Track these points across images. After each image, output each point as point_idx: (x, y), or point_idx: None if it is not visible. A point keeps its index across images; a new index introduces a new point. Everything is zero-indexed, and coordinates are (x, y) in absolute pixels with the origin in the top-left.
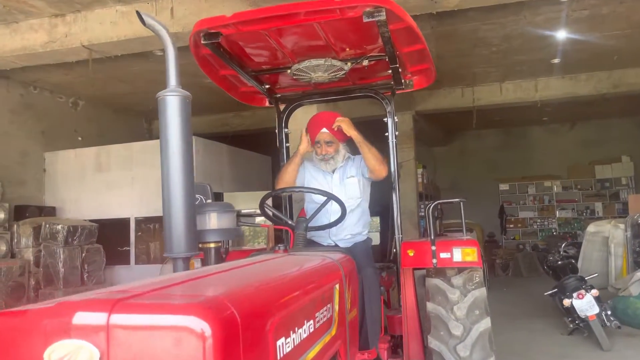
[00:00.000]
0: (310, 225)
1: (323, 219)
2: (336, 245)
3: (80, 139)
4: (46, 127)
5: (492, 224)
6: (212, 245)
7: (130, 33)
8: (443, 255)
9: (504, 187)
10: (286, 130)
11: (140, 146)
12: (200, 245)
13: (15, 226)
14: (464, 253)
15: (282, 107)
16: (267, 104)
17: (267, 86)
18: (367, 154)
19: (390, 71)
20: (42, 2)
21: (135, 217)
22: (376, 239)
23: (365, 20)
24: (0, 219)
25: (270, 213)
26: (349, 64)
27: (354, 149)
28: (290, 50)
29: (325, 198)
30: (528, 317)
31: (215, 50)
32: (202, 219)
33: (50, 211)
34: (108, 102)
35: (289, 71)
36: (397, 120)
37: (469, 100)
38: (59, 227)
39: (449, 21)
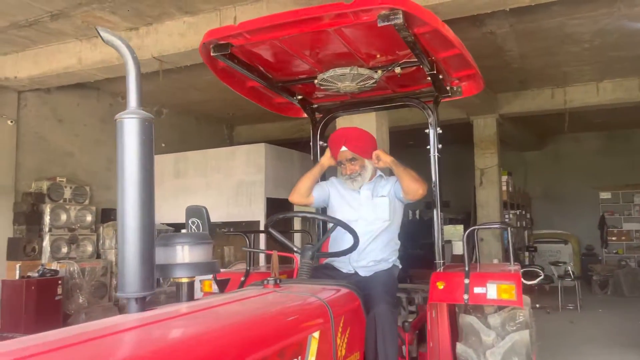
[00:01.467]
0: (328, 250)
1: (344, 243)
2: (355, 274)
3: (163, 145)
4: None
5: (591, 236)
6: (184, 280)
7: (197, 43)
8: (478, 290)
9: (605, 195)
10: (321, 142)
11: (214, 153)
12: (172, 280)
13: (100, 228)
14: (500, 289)
15: (318, 117)
16: (303, 114)
17: (299, 97)
18: (401, 174)
19: (429, 78)
20: (117, 17)
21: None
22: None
23: (381, 24)
24: (87, 222)
25: (277, 236)
26: (379, 72)
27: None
28: (312, 59)
29: (338, 225)
30: (623, 347)
31: (229, 62)
32: (171, 252)
33: None
34: (189, 109)
35: (315, 81)
36: (440, 131)
37: (560, 102)
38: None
39: (530, 17)
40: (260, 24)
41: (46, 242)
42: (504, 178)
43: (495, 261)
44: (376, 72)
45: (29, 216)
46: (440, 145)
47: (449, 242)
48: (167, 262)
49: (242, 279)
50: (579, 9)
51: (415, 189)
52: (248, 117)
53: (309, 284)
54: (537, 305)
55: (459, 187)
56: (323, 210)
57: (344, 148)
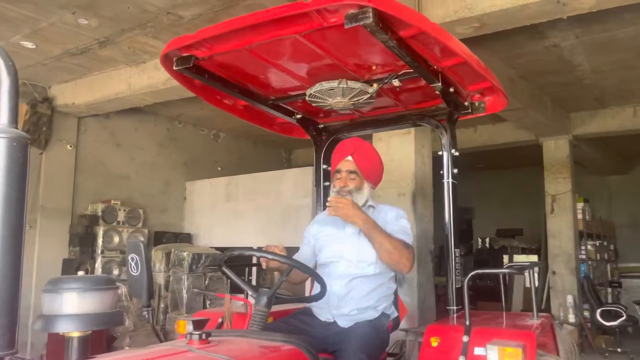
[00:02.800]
0: (293, 283)
1: (330, 284)
2: (334, 324)
3: (220, 169)
4: (188, 158)
5: None
6: (74, 334)
7: None
8: (478, 351)
9: None
10: (324, 166)
11: (263, 176)
12: (60, 334)
13: (152, 251)
14: (502, 353)
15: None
16: (307, 135)
17: (298, 115)
18: (373, 241)
19: (437, 92)
20: (160, 42)
21: (257, 247)
22: None
23: (348, 25)
24: None
25: (231, 275)
26: (374, 85)
27: (391, 199)
28: (297, 72)
29: (294, 266)
30: None
31: (198, 76)
32: (58, 299)
33: (186, 238)
34: (247, 133)
35: (306, 97)
36: (456, 154)
37: None
38: (185, 254)
39: (598, 27)
40: (217, 31)
41: (98, 264)
42: (580, 205)
43: (570, 299)
44: (371, 85)
45: (83, 238)
46: (456, 170)
47: (521, 273)
48: (53, 313)
49: (220, 320)
50: None
51: (397, 264)
52: (306, 139)
53: (249, 340)
54: (619, 350)
55: (532, 214)
56: None
57: (349, 158)
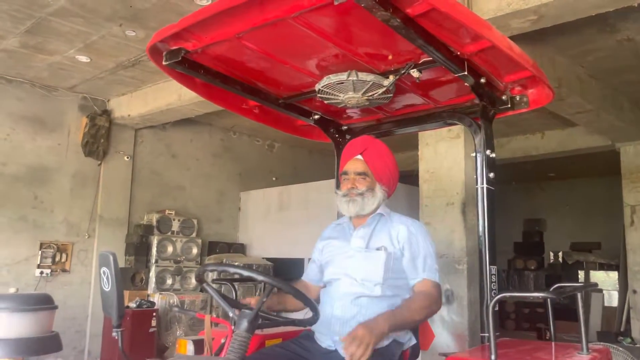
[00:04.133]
0: (294, 310)
1: (326, 306)
2: (335, 352)
3: (274, 179)
4: (243, 169)
5: None
6: None
7: None
8: None
9: None
10: None
11: (315, 186)
12: None
13: (205, 261)
14: None
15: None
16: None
17: (316, 116)
18: (408, 325)
19: (467, 85)
20: None
21: (308, 258)
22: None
23: (337, 2)
24: (193, 254)
25: (210, 292)
26: (390, 77)
27: (400, 208)
28: (302, 66)
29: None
30: None
31: (192, 72)
32: None
33: (239, 248)
34: (302, 142)
35: (317, 94)
36: (493, 156)
37: None
38: (235, 264)
39: None
40: (199, 17)
41: (152, 273)
42: None
43: None
44: (386, 77)
45: (138, 247)
46: (492, 175)
47: (600, 291)
48: None
49: (223, 340)
50: None
51: (431, 313)
52: None
53: None
54: None
55: (611, 227)
56: None
57: (359, 156)
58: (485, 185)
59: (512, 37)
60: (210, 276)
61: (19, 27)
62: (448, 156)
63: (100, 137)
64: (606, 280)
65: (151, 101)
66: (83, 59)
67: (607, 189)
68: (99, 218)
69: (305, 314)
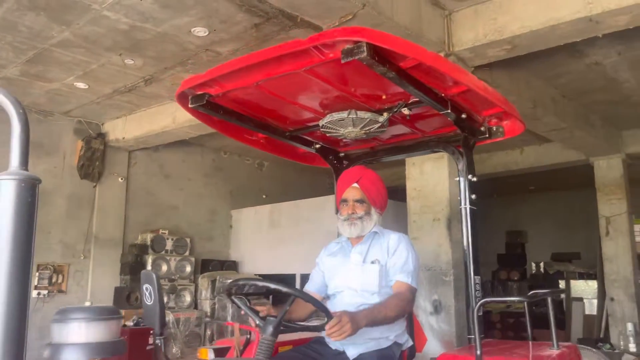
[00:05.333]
0: (300, 320)
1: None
2: (343, 353)
3: (265, 196)
4: (234, 188)
5: None
6: None
7: None
8: None
9: None
10: None
11: (306, 203)
12: None
13: (198, 279)
14: None
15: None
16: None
17: (317, 145)
18: (386, 322)
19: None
20: None
21: (300, 274)
22: None
23: (345, 60)
24: (187, 272)
25: (238, 303)
26: (384, 114)
27: (389, 223)
28: (308, 106)
29: (292, 294)
30: None
31: (212, 112)
32: (65, 329)
33: (231, 265)
34: (291, 162)
35: (320, 128)
36: (474, 179)
37: None
38: (229, 281)
39: None
40: (224, 70)
41: None
42: (637, 227)
43: (630, 326)
44: (381, 114)
45: (133, 266)
46: (474, 196)
47: (580, 299)
48: (61, 342)
49: (241, 347)
50: None
51: (402, 317)
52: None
53: None
54: None
55: (589, 237)
56: None
57: (355, 185)
58: (468, 206)
59: (489, 64)
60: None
61: (21, 57)
62: (433, 175)
63: (95, 159)
64: (586, 289)
65: (146, 124)
66: (81, 85)
67: (584, 201)
68: (94, 239)
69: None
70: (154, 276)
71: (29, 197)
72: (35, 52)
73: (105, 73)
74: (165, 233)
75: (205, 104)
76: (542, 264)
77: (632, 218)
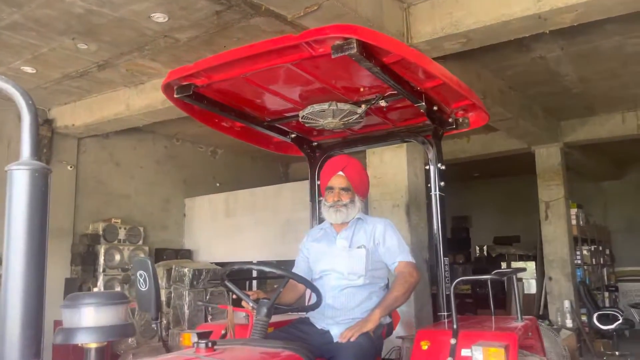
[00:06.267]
0: (287, 304)
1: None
2: (329, 332)
3: (218, 184)
4: (187, 176)
5: None
6: (92, 345)
7: None
8: (465, 352)
9: None
10: (319, 182)
11: (261, 191)
12: (80, 345)
13: None
14: (487, 354)
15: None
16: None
17: (293, 135)
18: (397, 306)
19: (422, 111)
20: (158, 63)
21: (257, 261)
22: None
23: (335, 55)
24: None
25: (232, 288)
26: (362, 106)
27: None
28: (290, 96)
29: (287, 277)
30: None
31: (197, 102)
32: (76, 314)
33: (186, 254)
34: (245, 149)
35: (300, 119)
36: (442, 168)
37: (633, 127)
38: (185, 270)
39: (582, 39)
40: (214, 62)
41: (100, 282)
42: (573, 211)
43: (566, 304)
44: (359, 106)
45: (84, 257)
46: (442, 183)
47: (520, 280)
48: (72, 326)
49: (223, 331)
50: (637, 27)
51: (412, 288)
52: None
53: (252, 347)
54: (617, 353)
55: (528, 221)
56: None
57: (341, 173)
58: (437, 192)
59: (444, 56)
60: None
61: None
62: (393, 164)
63: (42, 147)
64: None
65: (97, 111)
66: (28, 70)
67: (525, 186)
68: None
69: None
70: (149, 262)
71: (43, 186)
72: None
73: (56, 57)
74: (117, 222)
75: (190, 95)
76: (485, 247)
77: (569, 203)
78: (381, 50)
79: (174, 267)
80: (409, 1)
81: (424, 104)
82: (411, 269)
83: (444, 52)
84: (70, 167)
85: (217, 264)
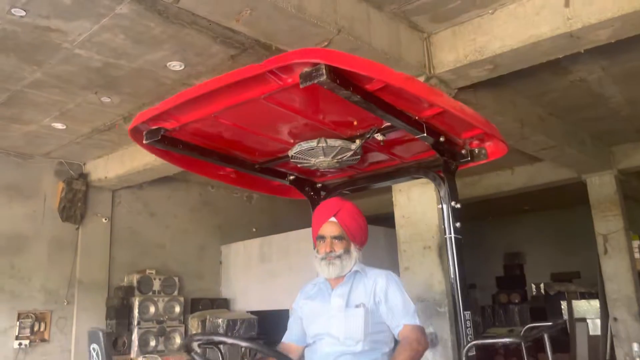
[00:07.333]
0: None
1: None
2: None
3: (254, 230)
4: (223, 222)
5: None
6: None
7: None
8: None
9: None
10: None
11: (295, 235)
12: None
13: (188, 319)
14: None
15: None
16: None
17: (291, 177)
18: None
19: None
20: None
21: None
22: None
23: (303, 85)
24: (176, 313)
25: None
26: (357, 141)
27: (380, 251)
28: (275, 135)
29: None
30: None
31: (170, 147)
32: None
33: (222, 303)
34: None
35: (290, 159)
36: (457, 206)
37: None
38: (219, 320)
39: (625, 57)
40: (177, 101)
41: (135, 336)
42: (636, 243)
43: (635, 347)
44: (353, 142)
45: (119, 310)
46: (458, 224)
47: (583, 320)
48: None
49: None
50: None
51: (419, 357)
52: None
53: None
54: None
55: (588, 256)
56: None
57: (333, 219)
58: (453, 235)
59: (472, 85)
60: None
61: None
62: (421, 202)
63: (77, 200)
64: (589, 309)
65: (128, 162)
66: (59, 126)
67: (580, 218)
68: (77, 283)
69: None
70: (101, 334)
71: None
72: (8, 95)
73: (83, 112)
74: (152, 273)
75: (160, 139)
76: (542, 285)
77: (630, 235)
78: (362, 77)
79: (208, 317)
80: (428, 30)
81: (426, 135)
82: (418, 334)
83: (470, 80)
84: (105, 219)
85: (252, 312)
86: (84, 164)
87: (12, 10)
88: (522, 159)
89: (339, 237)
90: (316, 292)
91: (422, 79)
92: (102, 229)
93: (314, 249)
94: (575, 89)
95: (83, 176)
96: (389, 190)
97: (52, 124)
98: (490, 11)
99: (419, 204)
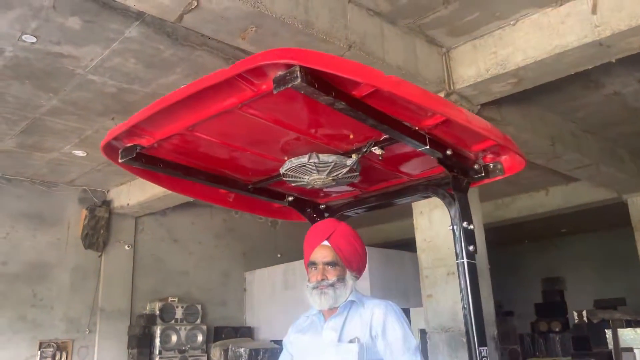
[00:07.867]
0: None
1: None
2: None
3: (279, 255)
4: (247, 248)
5: None
6: None
7: None
8: None
9: None
10: None
11: None
12: None
13: (210, 348)
14: None
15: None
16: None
17: (290, 198)
18: None
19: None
20: None
21: None
22: None
23: (276, 90)
24: (198, 342)
25: None
26: (353, 156)
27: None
28: (263, 152)
29: None
30: None
31: (148, 166)
32: None
33: (246, 332)
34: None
35: (282, 177)
36: (471, 227)
37: None
38: (242, 350)
39: None
40: (146, 114)
41: None
42: None
43: None
44: (349, 156)
45: (140, 339)
46: (472, 248)
47: (630, 350)
48: None
49: None
50: None
51: None
52: (366, 218)
53: None
54: None
55: (634, 281)
56: None
57: (325, 242)
58: (465, 260)
59: (497, 101)
60: None
61: (14, 129)
62: (443, 224)
63: (100, 228)
64: (635, 337)
65: (149, 188)
66: (79, 153)
67: (622, 241)
68: (99, 311)
69: None
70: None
71: None
72: (27, 123)
73: (101, 138)
74: (174, 301)
75: (137, 157)
76: (584, 313)
77: None
78: (347, 81)
79: (230, 347)
80: (447, 44)
81: (429, 147)
82: None
83: (493, 95)
84: (128, 246)
85: (276, 342)
86: (108, 191)
87: (23, 37)
88: (556, 179)
89: (332, 264)
90: (308, 325)
91: (441, 95)
92: (124, 256)
93: (308, 275)
94: (610, 103)
95: (106, 203)
96: (410, 213)
97: (73, 152)
98: (511, 22)
99: (441, 227)
